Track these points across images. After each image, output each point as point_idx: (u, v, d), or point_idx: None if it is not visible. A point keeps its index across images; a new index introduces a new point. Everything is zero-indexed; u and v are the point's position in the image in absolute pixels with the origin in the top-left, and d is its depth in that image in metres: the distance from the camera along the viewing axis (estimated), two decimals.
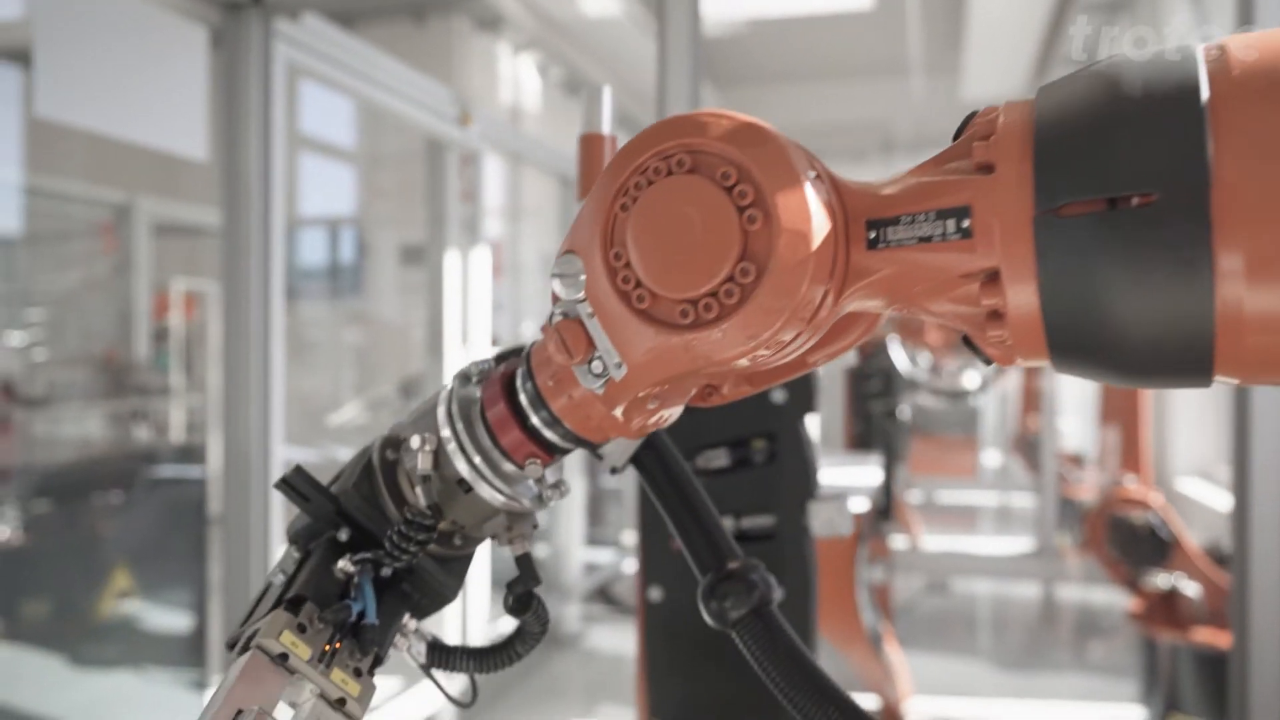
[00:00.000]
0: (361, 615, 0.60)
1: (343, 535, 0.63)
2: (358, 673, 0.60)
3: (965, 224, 0.46)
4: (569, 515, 4.25)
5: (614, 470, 0.64)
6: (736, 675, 1.24)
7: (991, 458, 7.45)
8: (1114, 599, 4.50)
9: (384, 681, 3.09)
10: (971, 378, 4.47)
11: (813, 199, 0.49)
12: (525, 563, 0.64)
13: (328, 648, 0.59)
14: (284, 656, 0.57)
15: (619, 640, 4.23)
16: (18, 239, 4.28)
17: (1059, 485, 4.62)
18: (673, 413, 0.59)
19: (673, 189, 0.50)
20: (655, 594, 1.25)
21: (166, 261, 5.22)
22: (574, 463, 4.22)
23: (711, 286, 0.49)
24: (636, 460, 0.65)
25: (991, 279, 0.45)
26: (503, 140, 3.62)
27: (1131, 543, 2.78)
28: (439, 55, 5.37)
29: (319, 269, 6.10)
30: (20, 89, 4.71)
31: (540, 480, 0.64)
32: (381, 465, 0.64)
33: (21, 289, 4.34)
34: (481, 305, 3.28)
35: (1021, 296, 0.44)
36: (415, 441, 0.60)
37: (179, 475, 2.53)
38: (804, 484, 1.22)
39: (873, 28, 6.61)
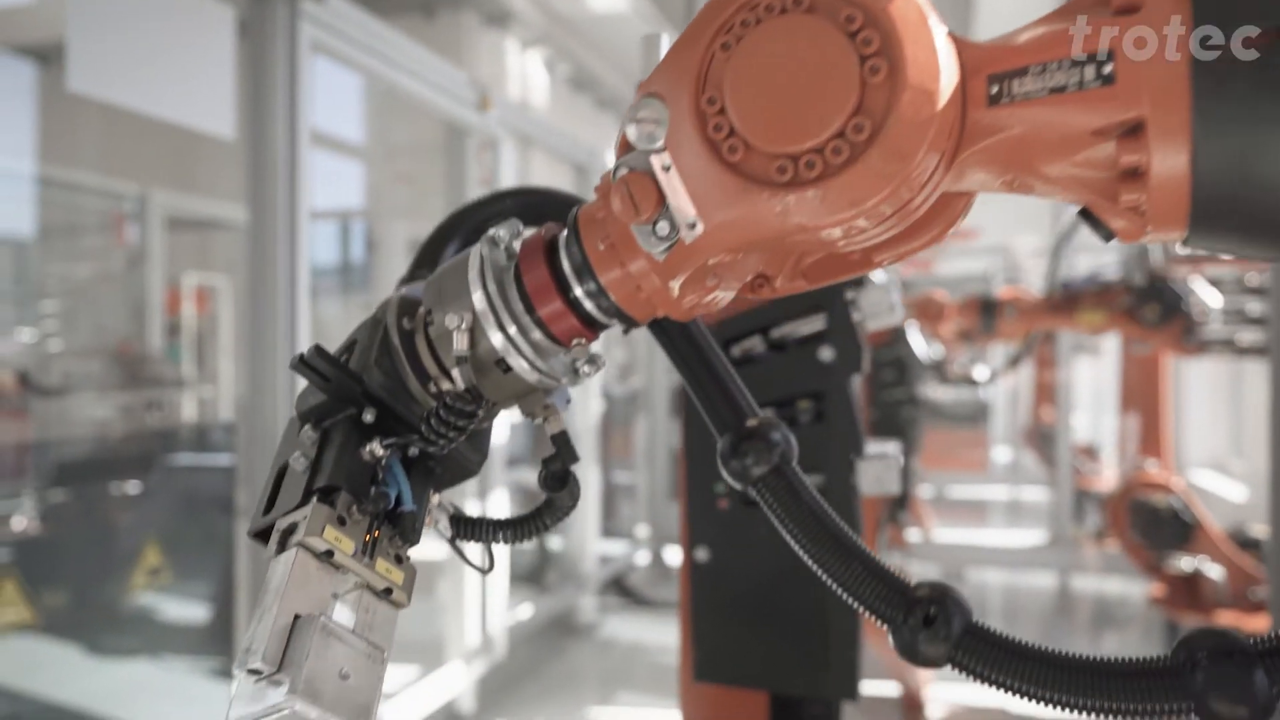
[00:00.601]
0: (398, 501, 0.58)
1: (368, 417, 0.59)
2: (399, 559, 0.58)
3: (1107, 70, 0.40)
4: (584, 508, 4.25)
5: (628, 329, 0.59)
6: (783, 634, 1.23)
7: (1001, 453, 7.45)
8: (1130, 590, 4.49)
9: (399, 671, 3.08)
10: (981, 370, 4.47)
11: (944, 53, 0.43)
12: (562, 440, 0.61)
13: (368, 538, 0.57)
14: (329, 553, 0.54)
15: (634, 630, 4.22)
16: (33, 231, 4.29)
17: (1073, 476, 4.62)
18: (725, 296, 0.54)
19: (785, 29, 0.44)
20: (701, 554, 1.25)
21: (178, 255, 5.22)
22: (588, 455, 4.22)
23: (818, 142, 0.43)
24: (654, 322, 0.61)
25: (1132, 133, 0.41)
26: (521, 126, 3.62)
27: (1154, 526, 2.77)
28: (448, 50, 5.37)
29: (328, 264, 6.10)
30: (35, 82, 4.72)
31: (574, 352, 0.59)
32: (401, 338, 0.60)
33: (36, 280, 4.35)
34: None
35: (1169, 150, 0.40)
36: (452, 321, 0.56)
37: (202, 463, 2.53)
38: (852, 442, 1.21)
39: None
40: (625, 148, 0.50)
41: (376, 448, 0.57)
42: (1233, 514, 4.20)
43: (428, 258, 0.75)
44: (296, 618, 0.52)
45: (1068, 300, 3.01)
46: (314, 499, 0.56)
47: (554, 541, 4.43)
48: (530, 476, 4.31)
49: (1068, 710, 0.46)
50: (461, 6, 5.67)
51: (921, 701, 3.08)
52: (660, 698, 3.41)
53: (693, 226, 0.47)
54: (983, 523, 6.44)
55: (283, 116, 2.20)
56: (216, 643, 2.35)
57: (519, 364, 0.57)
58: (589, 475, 4.23)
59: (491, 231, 0.58)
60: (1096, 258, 4.29)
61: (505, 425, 3.54)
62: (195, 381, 5.28)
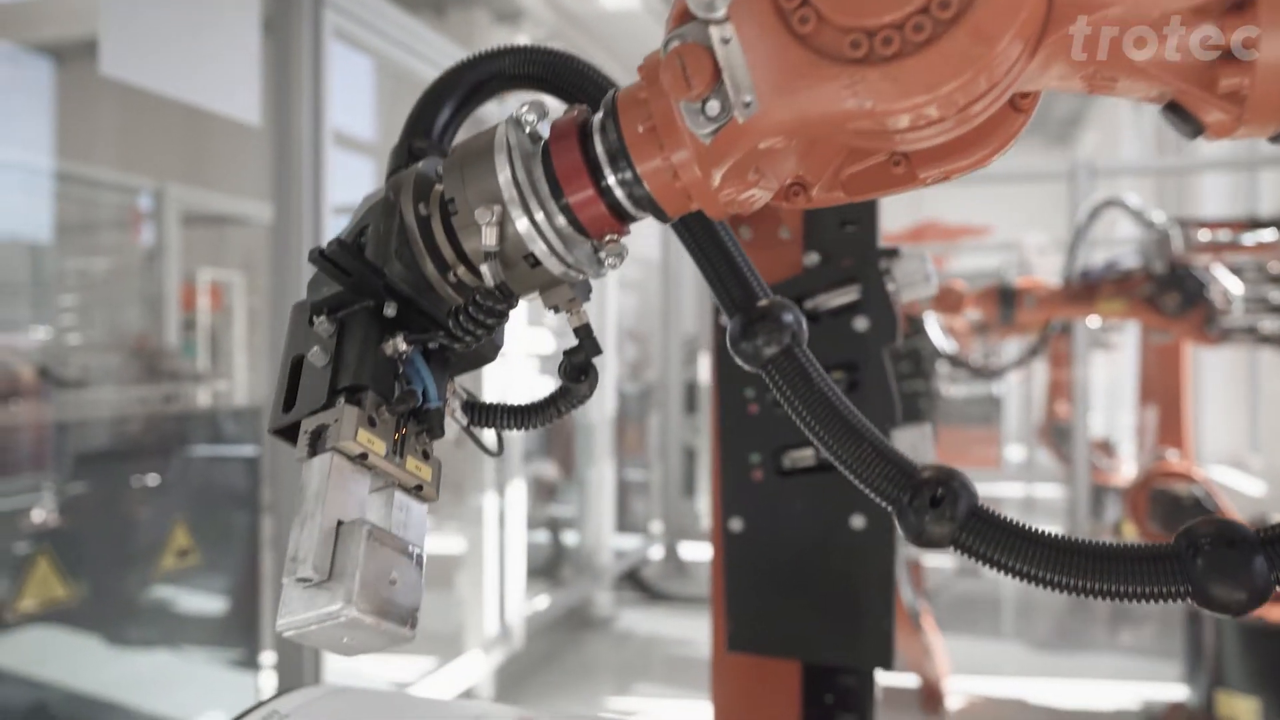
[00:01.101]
0: (423, 396, 0.57)
1: (389, 311, 0.56)
2: (425, 455, 0.58)
3: None
4: (600, 505, 4.26)
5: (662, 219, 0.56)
6: (817, 604, 1.23)
7: (1014, 452, 7.43)
8: None
9: (418, 660, 3.09)
10: (999, 360, 4.46)
11: None
12: (585, 333, 0.59)
13: (396, 437, 0.56)
14: (362, 456, 0.54)
15: (650, 623, 4.22)
16: (51, 226, 4.31)
17: (1090, 472, 4.60)
18: (762, 196, 0.51)
19: None
20: (735, 524, 1.25)
21: (193, 251, 5.24)
22: (604, 450, 4.22)
23: (898, 17, 0.40)
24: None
25: (1240, 7, 0.38)
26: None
27: (1175, 515, 2.76)
28: (460, 47, 5.39)
29: None
30: (53, 79, 4.74)
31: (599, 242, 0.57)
32: (418, 224, 0.57)
33: (54, 275, 4.37)
34: None
35: None
36: (483, 215, 0.53)
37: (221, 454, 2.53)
38: (887, 412, 1.21)
39: None
40: (682, 18, 0.46)
41: (400, 343, 0.56)
42: (1252, 508, 4.18)
43: (421, 125, 0.70)
44: (340, 524, 0.52)
45: (1087, 289, 3.00)
46: (342, 400, 0.54)
47: (568, 537, 4.44)
48: (545, 469, 4.32)
49: (1069, 593, 0.46)
50: (473, 4, 5.69)
51: (940, 693, 3.07)
52: (676, 689, 3.41)
53: (748, 105, 0.44)
54: None
55: (308, 106, 2.21)
56: (240, 632, 2.36)
57: (544, 252, 0.54)
58: (605, 470, 4.24)
59: (516, 113, 0.55)
60: (1112, 250, 4.28)
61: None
62: (210, 376, 5.30)
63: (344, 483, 0.53)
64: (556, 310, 0.58)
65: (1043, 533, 0.47)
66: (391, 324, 0.57)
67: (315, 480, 0.53)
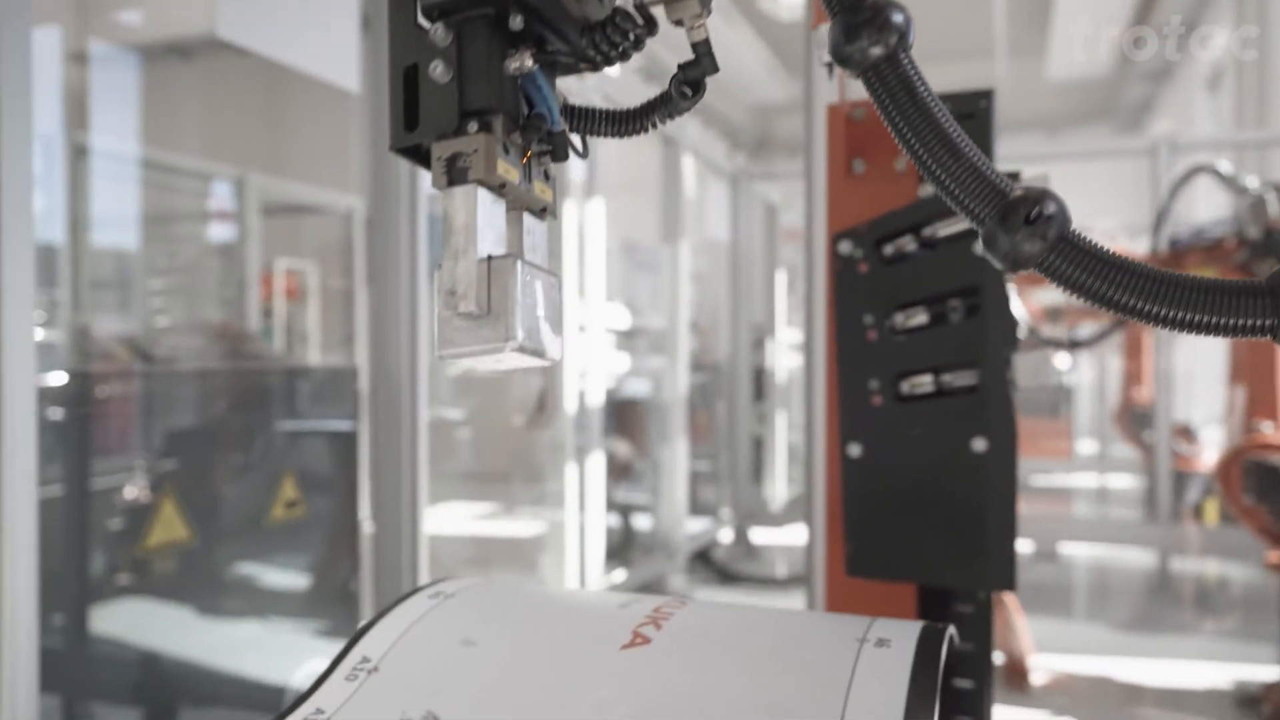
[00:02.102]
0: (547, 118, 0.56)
1: (516, 23, 0.53)
2: (546, 176, 0.58)
3: None
4: (674, 483, 4.28)
5: None
6: (939, 527, 1.24)
7: (1085, 446, 7.28)
8: (1232, 572, 4.36)
9: None
10: (1062, 358, 4.39)
11: None
12: (705, 49, 0.56)
13: (525, 160, 0.55)
14: (502, 185, 0.53)
15: (724, 600, 4.23)
16: (140, 213, 4.47)
17: (1171, 457, 4.50)
18: None
19: None
20: (854, 450, 1.26)
21: (270, 241, 5.38)
22: (678, 429, 4.24)
23: None
24: None
25: None
26: (611, 95, 3.66)
27: (1272, 487, 2.69)
28: None
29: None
30: (141, 74, 4.92)
31: None
32: None
33: (144, 260, 4.53)
34: (598, 260, 3.32)
35: None
36: None
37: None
38: (1008, 336, 1.22)
39: (958, 10, 6.55)
40: None
41: (528, 61, 0.53)
42: None
43: None
44: (490, 258, 0.53)
45: (1175, 257, 2.95)
46: (475, 126, 0.53)
47: (640, 518, 4.46)
48: (618, 447, 4.35)
49: (1153, 323, 0.46)
50: None
51: (1025, 669, 3.03)
52: None
53: None
54: (1070, 510, 6.31)
55: None
56: (342, 572, 2.39)
57: None
58: (679, 448, 4.26)
59: None
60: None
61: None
62: (287, 359, 5.43)
63: (488, 214, 0.53)
64: (679, 24, 0.56)
65: (1132, 261, 0.47)
66: (515, 38, 0.54)
67: (462, 213, 0.52)
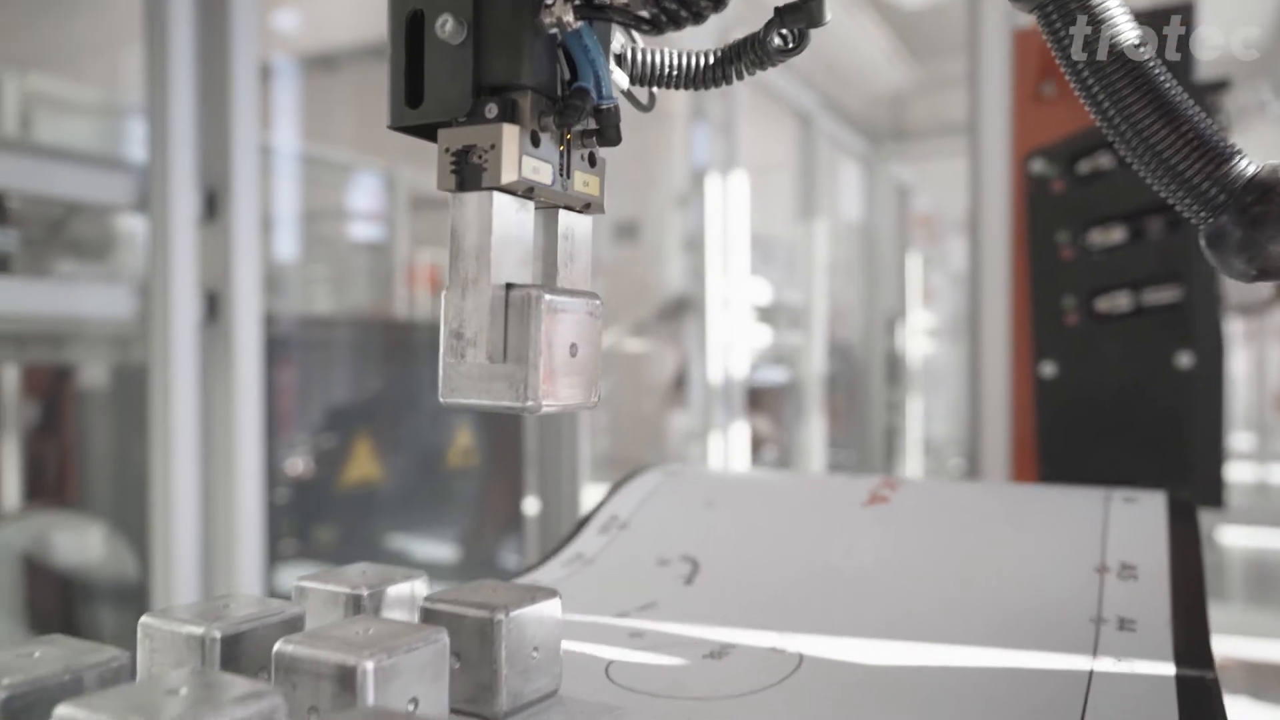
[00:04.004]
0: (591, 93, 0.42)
1: None
2: (592, 161, 0.45)
3: None
4: (813, 458, 4.28)
5: None
6: (1141, 444, 1.22)
7: (1242, 440, 6.87)
8: None
9: None
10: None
11: None
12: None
13: (561, 148, 0.42)
14: (529, 190, 0.41)
15: None
16: (301, 204, 4.75)
17: None
18: None
19: None
20: (1048, 370, 1.26)
21: (415, 234, 5.64)
22: (815, 406, 4.24)
23: None
24: None
25: None
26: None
27: None
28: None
29: None
30: (301, 81, 5.23)
31: None
32: None
33: (305, 247, 4.81)
34: (741, 236, 3.36)
35: None
36: None
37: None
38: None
39: None
40: None
41: (568, 12, 0.39)
42: None
43: None
44: (509, 287, 0.40)
45: None
46: (494, 110, 0.40)
47: None
48: (758, 423, 4.37)
49: None
50: None
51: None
52: None
53: None
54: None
55: None
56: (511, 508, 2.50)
57: None
58: (815, 425, 4.26)
59: None
60: None
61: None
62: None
63: (507, 228, 0.40)
64: None
65: None
66: None
67: (473, 229, 0.40)
